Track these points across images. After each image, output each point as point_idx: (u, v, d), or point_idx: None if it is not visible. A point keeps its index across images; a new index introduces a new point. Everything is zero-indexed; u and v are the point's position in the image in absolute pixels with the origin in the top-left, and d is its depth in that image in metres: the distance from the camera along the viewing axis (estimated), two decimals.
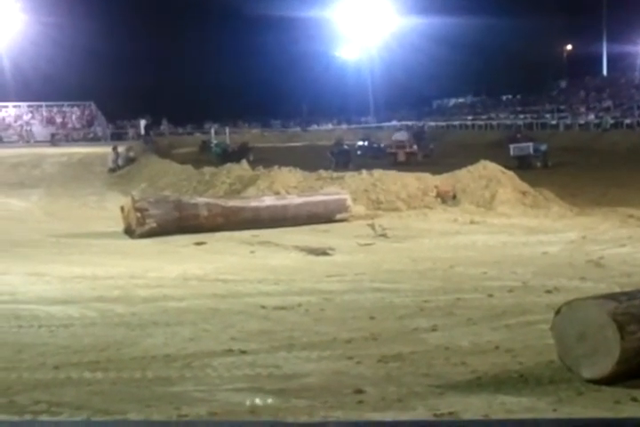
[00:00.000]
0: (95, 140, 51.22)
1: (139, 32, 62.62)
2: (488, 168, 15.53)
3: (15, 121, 54.55)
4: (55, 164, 30.01)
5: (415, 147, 32.31)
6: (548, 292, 7.54)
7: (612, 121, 44.84)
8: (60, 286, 8.32)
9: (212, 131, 46.77)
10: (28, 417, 4.46)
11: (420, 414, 4.43)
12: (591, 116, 47.70)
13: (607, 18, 61.21)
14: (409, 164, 27.27)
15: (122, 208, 12.90)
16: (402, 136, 33.68)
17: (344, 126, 63.68)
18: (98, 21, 57.01)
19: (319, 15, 63.83)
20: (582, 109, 50.41)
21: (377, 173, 15.84)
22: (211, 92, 66.27)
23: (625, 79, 55.71)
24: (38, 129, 53.81)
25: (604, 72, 63.00)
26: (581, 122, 47.75)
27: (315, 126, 65.69)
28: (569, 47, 69.57)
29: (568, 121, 49.09)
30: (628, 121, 43.98)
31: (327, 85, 64.69)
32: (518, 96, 62.42)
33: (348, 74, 69.39)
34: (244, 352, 5.67)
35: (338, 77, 67.54)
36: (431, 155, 32.28)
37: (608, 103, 49.45)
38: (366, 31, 68.22)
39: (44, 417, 4.47)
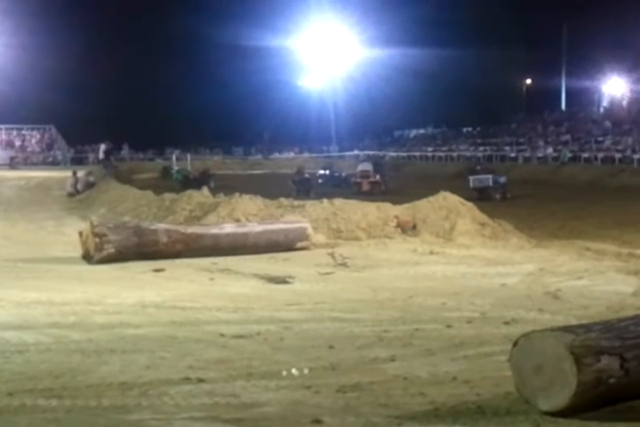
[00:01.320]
0: (55, 164, 50.91)
1: (101, 57, 62.57)
2: (448, 199, 15.65)
3: None
4: (13, 187, 29.75)
5: (378, 177, 32.52)
6: (506, 323, 7.58)
7: (569, 155, 45.50)
8: (16, 312, 8.20)
9: (174, 157, 46.68)
10: None
11: None
12: (549, 150, 48.34)
13: (566, 53, 62.38)
14: (373, 193, 27.43)
15: (80, 233, 12.78)
16: (366, 166, 33.89)
17: (306, 155, 63.93)
18: (60, 44, 56.88)
19: (283, 44, 64.30)
20: (541, 143, 51.09)
21: (338, 202, 15.88)
22: (173, 118, 66.26)
23: (583, 114, 56.63)
24: None
25: (563, 106, 64.00)
26: (540, 155, 48.38)
27: (276, 154, 65.85)
28: (528, 81, 70.61)
29: (527, 154, 49.72)
30: (585, 155, 44.64)
31: (290, 114, 64.94)
32: (478, 128, 63.13)
33: (311, 103, 69.74)
34: (201, 381, 5.61)
35: (300, 106, 67.84)
36: (387, 186, 32.36)
37: (566, 137, 50.19)
38: (329, 61, 68.79)
39: None
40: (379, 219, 15.24)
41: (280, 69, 68.43)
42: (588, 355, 4.67)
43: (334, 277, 10.96)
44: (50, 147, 56.95)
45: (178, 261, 12.16)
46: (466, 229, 14.79)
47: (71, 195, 28.22)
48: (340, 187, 31.73)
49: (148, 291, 9.55)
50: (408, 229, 15.10)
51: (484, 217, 15.45)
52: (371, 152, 59.72)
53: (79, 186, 29.14)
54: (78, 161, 52.42)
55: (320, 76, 72.10)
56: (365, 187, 31.26)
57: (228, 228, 13.50)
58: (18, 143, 56.17)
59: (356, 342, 6.85)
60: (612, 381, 4.69)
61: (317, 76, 72.50)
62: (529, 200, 26.92)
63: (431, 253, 13.20)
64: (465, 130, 64.98)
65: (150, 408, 5.02)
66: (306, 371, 5.81)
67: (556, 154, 47.07)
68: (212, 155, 63.88)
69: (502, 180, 28.83)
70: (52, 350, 6.55)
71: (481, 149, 55.20)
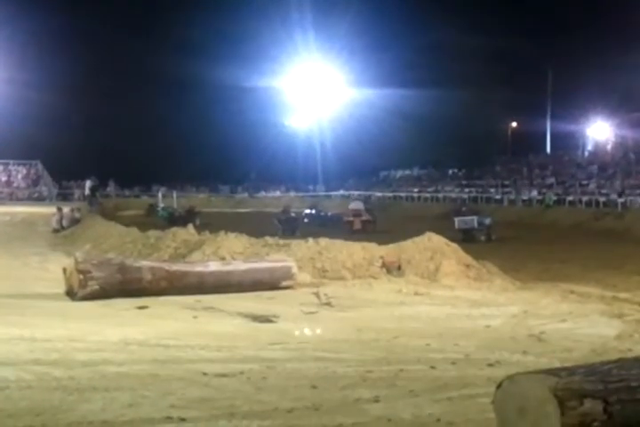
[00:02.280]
0: (40, 199, 50.84)
1: (89, 93, 62.83)
2: (433, 240, 15.68)
3: None
4: None
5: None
6: (490, 365, 7.56)
7: (554, 197, 45.79)
8: None
9: (160, 194, 46.73)
10: None
11: None
12: (534, 193, 48.62)
13: (552, 97, 63.10)
14: (365, 232, 27.45)
15: (64, 269, 12.70)
16: (358, 205, 34.01)
17: (292, 194, 64.08)
18: (48, 79, 57.15)
19: (270, 85, 64.90)
20: (526, 185, 51.39)
21: (323, 241, 15.88)
22: (160, 155, 66.39)
23: (568, 157, 57.10)
24: None
25: (548, 150, 64.55)
26: (525, 198, 48.65)
27: (263, 193, 65.96)
28: (514, 124, 71.28)
29: (512, 196, 49.98)
30: (570, 198, 44.93)
31: (277, 153, 65.29)
32: (464, 170, 63.49)
33: (298, 143, 70.14)
34: (183, 420, 5.55)
35: (288, 146, 68.24)
36: (374, 226, 32.33)
37: (551, 180, 50.53)
38: (316, 101, 69.32)
39: None
40: (364, 259, 15.24)
41: (267, 109, 69.08)
42: (572, 398, 4.66)
43: (318, 316, 10.93)
44: (36, 182, 56.90)
45: (162, 298, 12.10)
46: (451, 271, 14.81)
47: (56, 231, 28.19)
48: (325, 226, 31.76)
49: (132, 328, 9.49)
50: (393, 269, 15.10)
51: (468, 258, 15.48)
52: (357, 192, 59.95)
53: (64, 222, 29.11)
54: (64, 197, 52.40)
55: (307, 117, 72.62)
56: (357, 226, 31.31)
57: (213, 266, 13.46)
58: (4, 178, 56.13)
59: (340, 382, 6.81)
60: (595, 424, 4.68)
61: (304, 117, 73.02)
62: (513, 242, 27.01)
63: (416, 293, 13.19)
64: (450, 171, 65.36)
65: None
66: None
67: (540, 197, 47.37)
68: (199, 192, 64.01)
69: (487, 221, 28.94)
70: (33, 387, 6.48)
71: (466, 190, 55.50)
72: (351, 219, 32.34)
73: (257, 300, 12.39)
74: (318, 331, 9.79)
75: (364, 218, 32.27)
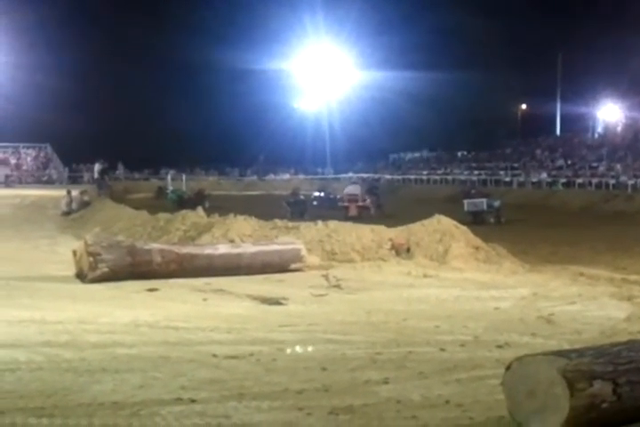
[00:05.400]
0: (50, 182, 50.94)
1: (98, 76, 62.80)
2: (442, 222, 15.65)
3: None
4: (8, 205, 29.74)
5: (368, 201, 31.62)
6: (499, 347, 7.58)
7: (563, 180, 45.66)
8: (8, 330, 8.17)
9: (169, 177, 46.72)
10: None
11: None
12: (544, 175, 48.46)
13: (562, 79, 62.81)
14: (361, 218, 26.77)
15: (74, 252, 12.73)
16: (354, 189, 32.84)
17: (301, 176, 63.98)
18: (57, 63, 57.15)
19: (279, 67, 64.74)
20: (535, 167, 51.23)
21: (332, 223, 15.87)
22: (169, 138, 66.37)
23: (578, 139, 56.88)
24: None
25: (558, 132, 64.32)
26: (534, 180, 48.49)
27: (271, 176, 65.89)
28: (523, 106, 71.02)
29: (521, 179, 49.83)
30: (579, 180, 44.79)
31: (286, 136, 65.16)
32: (473, 152, 63.31)
33: (307, 125, 69.96)
34: (193, 401, 5.59)
35: (296, 128, 68.06)
36: (382, 209, 31.51)
37: (560, 162, 50.36)
38: (325, 84, 69.16)
39: None
40: (373, 241, 15.23)
41: (276, 92, 68.88)
42: (581, 380, 4.67)
43: (328, 298, 10.94)
44: (45, 165, 57.01)
45: (171, 281, 12.13)
46: (460, 253, 14.78)
47: (66, 214, 28.23)
48: (334, 209, 31.47)
49: (142, 310, 9.53)
50: (402, 251, 15.08)
51: (477, 241, 15.44)
52: (366, 175, 59.76)
53: (74, 205, 29.15)
54: (73, 180, 52.48)
55: (316, 99, 72.43)
56: (353, 211, 29.85)
57: (223, 248, 13.48)
58: (13, 161, 56.21)
59: (349, 364, 6.84)
60: (604, 406, 4.69)
61: (313, 99, 72.84)
62: (523, 225, 26.94)
63: (425, 275, 13.19)
64: (460, 154, 65.18)
65: None
66: None
67: (550, 179, 47.22)
68: (208, 175, 63.98)
69: (496, 204, 28.81)
70: (43, 369, 6.52)
71: (475, 173, 55.31)
72: (346, 204, 31.17)
73: (266, 282, 12.42)
74: (326, 313, 9.81)
75: (360, 203, 31.06)
